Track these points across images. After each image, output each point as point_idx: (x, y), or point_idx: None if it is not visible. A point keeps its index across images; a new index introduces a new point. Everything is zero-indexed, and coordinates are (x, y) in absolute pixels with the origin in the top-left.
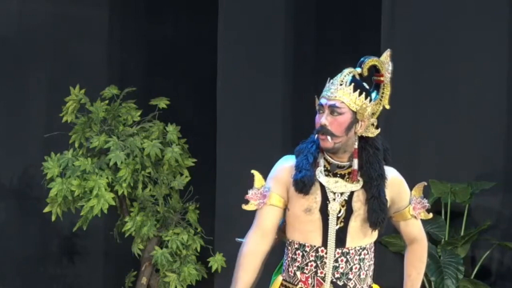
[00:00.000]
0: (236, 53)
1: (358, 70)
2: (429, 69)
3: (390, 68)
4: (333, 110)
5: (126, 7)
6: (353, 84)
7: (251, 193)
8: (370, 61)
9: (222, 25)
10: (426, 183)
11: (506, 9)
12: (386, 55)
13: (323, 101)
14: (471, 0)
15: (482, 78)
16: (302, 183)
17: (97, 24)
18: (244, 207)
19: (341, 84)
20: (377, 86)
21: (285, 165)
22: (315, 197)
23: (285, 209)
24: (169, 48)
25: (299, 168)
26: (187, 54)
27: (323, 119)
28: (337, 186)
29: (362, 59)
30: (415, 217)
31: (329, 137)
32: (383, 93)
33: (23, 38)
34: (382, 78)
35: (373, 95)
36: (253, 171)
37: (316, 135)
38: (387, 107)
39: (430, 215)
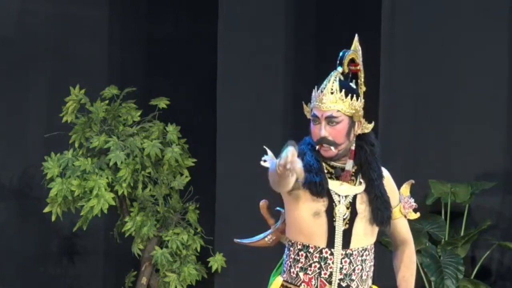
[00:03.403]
0: (236, 53)
1: (340, 69)
2: (429, 69)
3: (360, 52)
4: (330, 120)
5: (126, 7)
6: (343, 90)
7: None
8: (348, 56)
9: (222, 25)
10: (413, 181)
11: (506, 9)
12: (355, 42)
13: (318, 113)
14: (471, 6)
15: (482, 78)
16: (321, 186)
17: (97, 24)
18: (262, 163)
19: (332, 93)
20: (354, 76)
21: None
22: (324, 200)
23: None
24: (169, 48)
25: (313, 169)
26: (187, 54)
27: (322, 131)
28: (342, 189)
29: (341, 55)
30: (405, 216)
31: (332, 147)
32: (361, 81)
33: (23, 38)
34: (359, 67)
35: (353, 85)
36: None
37: (317, 146)
38: (364, 89)
39: (418, 215)
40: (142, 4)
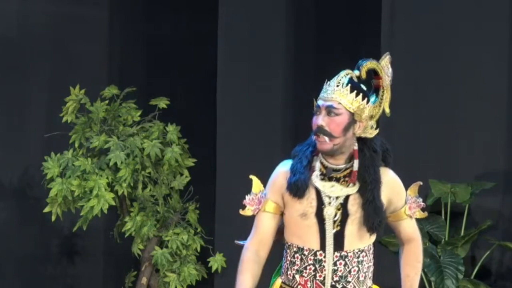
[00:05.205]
0: (236, 53)
1: (356, 72)
2: (429, 68)
3: (390, 72)
4: (330, 111)
5: (126, 7)
6: (349, 85)
7: (248, 199)
8: (368, 64)
9: (222, 25)
10: (421, 183)
11: (507, 9)
12: (386, 60)
13: (320, 102)
14: (471, 6)
15: (482, 78)
16: (296, 187)
17: (97, 24)
18: (241, 212)
19: (337, 85)
20: (376, 90)
21: (282, 170)
22: (311, 201)
23: (282, 214)
24: (169, 48)
25: (293, 171)
26: (187, 54)
27: (320, 120)
28: (333, 191)
29: (360, 61)
30: (411, 216)
31: (326, 138)
32: (382, 96)
33: (23, 38)
34: (381, 82)
35: (372, 98)
36: (251, 176)
37: (314, 137)
38: (387, 111)
39: (425, 214)
40: (142, 4)
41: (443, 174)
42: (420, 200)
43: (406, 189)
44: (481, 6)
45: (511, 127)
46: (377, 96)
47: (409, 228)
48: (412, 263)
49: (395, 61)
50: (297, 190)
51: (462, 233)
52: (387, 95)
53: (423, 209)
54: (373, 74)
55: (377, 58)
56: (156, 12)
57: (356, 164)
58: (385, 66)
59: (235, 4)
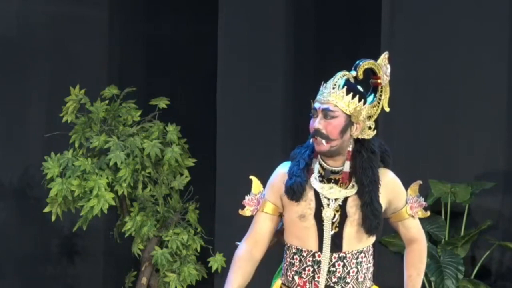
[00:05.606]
0: (236, 53)
1: (353, 73)
2: (428, 68)
3: (388, 70)
4: (326, 114)
5: (126, 7)
6: (346, 87)
7: (247, 199)
8: (365, 64)
9: (222, 25)
10: (421, 182)
11: (507, 8)
12: (383, 57)
13: (316, 105)
14: (471, 6)
15: (482, 78)
16: (292, 190)
17: (97, 24)
18: (240, 212)
19: (333, 88)
20: (374, 89)
21: (281, 172)
22: (309, 203)
23: (280, 216)
24: (169, 48)
25: (290, 174)
26: (187, 54)
27: (316, 123)
28: (332, 192)
29: (357, 62)
30: (413, 216)
31: (324, 141)
32: (380, 95)
33: (23, 38)
34: (379, 81)
35: (370, 98)
36: (251, 177)
37: (311, 140)
38: (387, 109)
39: (428, 213)
40: (142, 4)
41: (443, 174)
42: (422, 199)
43: (406, 189)
44: (481, 6)
45: (511, 127)
46: (375, 95)
47: (411, 228)
48: (415, 264)
49: (395, 61)
50: (293, 193)
51: (462, 233)
52: (385, 95)
53: (425, 209)
54: (371, 73)
55: (377, 58)
56: (156, 12)
57: (347, 165)
58: (383, 65)
59: (235, 4)
